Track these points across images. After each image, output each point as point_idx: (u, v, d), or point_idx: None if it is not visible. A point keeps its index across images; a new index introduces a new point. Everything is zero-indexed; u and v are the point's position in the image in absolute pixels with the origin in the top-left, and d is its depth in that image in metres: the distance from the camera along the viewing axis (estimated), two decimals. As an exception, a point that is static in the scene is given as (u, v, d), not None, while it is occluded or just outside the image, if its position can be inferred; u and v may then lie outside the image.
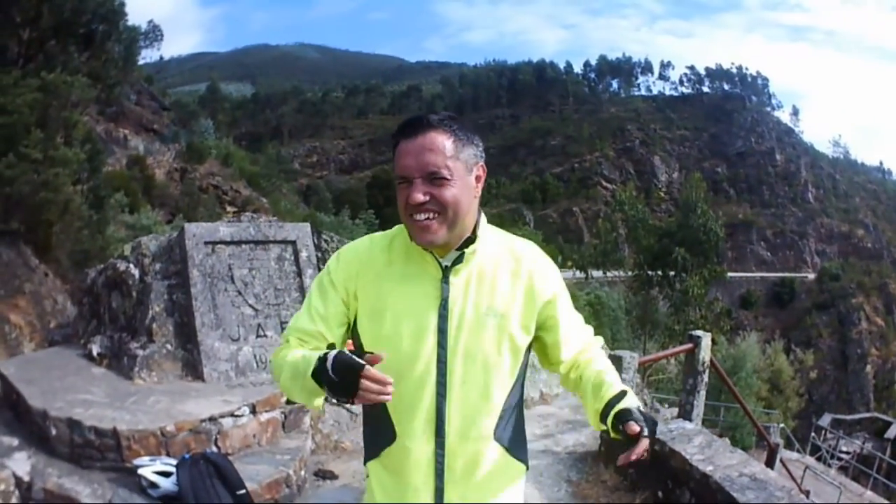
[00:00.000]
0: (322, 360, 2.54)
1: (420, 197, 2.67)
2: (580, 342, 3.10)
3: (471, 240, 2.87)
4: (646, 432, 2.58)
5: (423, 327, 2.83)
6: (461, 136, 2.75)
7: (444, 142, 2.69)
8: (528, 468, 3.18)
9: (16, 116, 13.08)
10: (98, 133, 33.51)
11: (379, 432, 2.98)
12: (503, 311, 2.88)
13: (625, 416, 2.66)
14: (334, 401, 2.61)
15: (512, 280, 2.92)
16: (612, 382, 2.88)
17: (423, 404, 2.84)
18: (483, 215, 2.97)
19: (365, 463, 3.14)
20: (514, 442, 3.02)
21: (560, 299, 3.03)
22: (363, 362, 2.42)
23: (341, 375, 2.45)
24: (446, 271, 2.86)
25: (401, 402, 2.84)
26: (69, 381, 8.11)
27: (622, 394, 2.80)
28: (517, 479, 3.11)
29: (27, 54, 16.14)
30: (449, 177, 2.68)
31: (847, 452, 31.00)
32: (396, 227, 3.01)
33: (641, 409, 2.69)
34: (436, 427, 2.85)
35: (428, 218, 2.72)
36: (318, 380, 2.55)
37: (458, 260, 2.86)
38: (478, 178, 2.84)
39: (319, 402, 2.85)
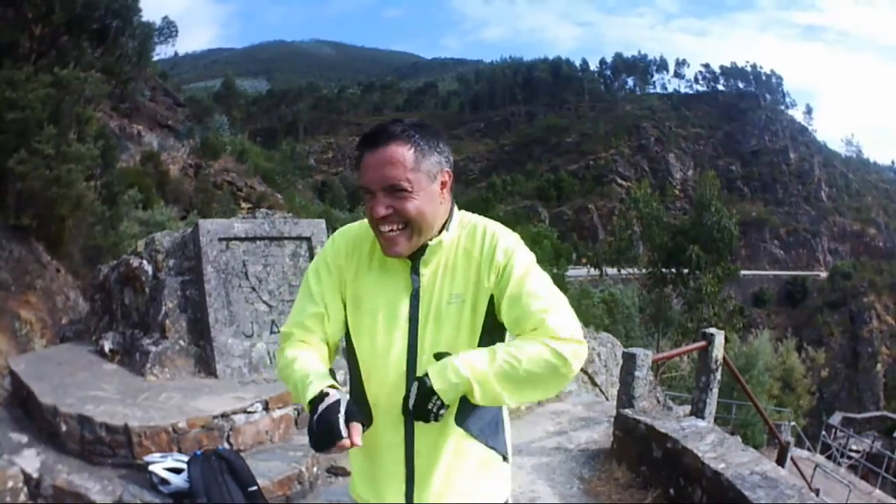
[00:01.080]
0: (314, 402, 2.66)
1: (382, 210, 2.75)
2: (525, 326, 2.83)
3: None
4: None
5: (396, 318, 2.93)
6: (423, 145, 2.79)
7: (404, 154, 2.73)
8: (505, 458, 3.19)
9: (28, 112, 13.06)
10: (112, 129, 33.58)
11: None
12: (463, 295, 2.93)
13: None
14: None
15: (467, 262, 2.95)
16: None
17: (395, 393, 2.90)
18: (455, 208, 3.03)
19: None
20: (483, 430, 3.06)
21: (510, 278, 2.90)
22: (344, 435, 2.55)
23: (321, 432, 2.58)
24: (416, 263, 2.92)
25: (375, 389, 2.99)
26: (80, 377, 8.16)
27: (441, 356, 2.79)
28: (490, 468, 3.12)
29: (39, 50, 16.10)
30: (410, 189, 2.74)
31: (857, 451, 30.98)
32: None
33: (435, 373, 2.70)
34: (404, 414, 2.87)
35: (392, 230, 2.80)
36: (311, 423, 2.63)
37: (423, 251, 2.90)
38: (443, 184, 2.88)
39: None
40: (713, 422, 9.50)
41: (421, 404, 2.66)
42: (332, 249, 3.13)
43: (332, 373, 2.88)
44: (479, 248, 2.94)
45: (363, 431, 2.82)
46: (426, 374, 2.67)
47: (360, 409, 2.88)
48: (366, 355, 2.99)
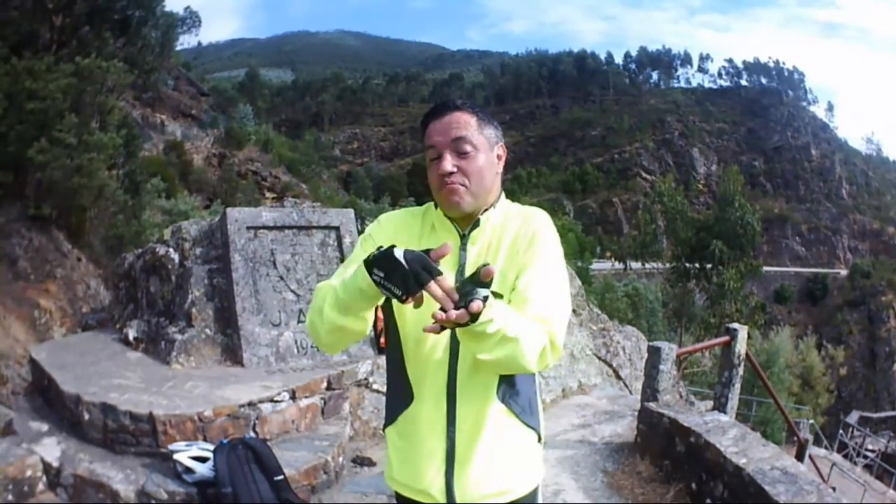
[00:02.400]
0: (388, 249, 2.53)
1: (449, 167, 2.89)
2: (527, 309, 2.83)
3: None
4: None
5: None
6: (483, 116, 3.01)
7: (468, 119, 2.94)
8: (540, 437, 3.21)
9: (48, 102, 13.06)
10: (134, 118, 33.67)
11: (398, 396, 3.12)
12: (505, 272, 2.96)
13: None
14: (382, 286, 2.55)
15: (513, 241, 3.02)
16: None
17: (438, 367, 2.97)
18: (503, 193, 3.18)
19: (384, 429, 3.27)
20: (522, 407, 3.09)
21: (532, 261, 2.96)
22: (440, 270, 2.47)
23: (413, 266, 2.45)
24: (464, 239, 3.04)
25: (419, 366, 3.02)
26: (104, 365, 8.21)
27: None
28: (527, 445, 3.14)
29: (59, 40, 16.08)
30: (475, 148, 2.92)
31: (872, 450, 30.89)
32: (426, 204, 3.22)
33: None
34: (447, 389, 2.96)
35: (455, 185, 2.91)
36: (376, 265, 2.54)
37: (475, 225, 3.03)
38: (499, 157, 3.08)
39: (365, 320, 2.86)
40: (734, 417, 9.49)
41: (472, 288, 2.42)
42: (378, 227, 3.22)
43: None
44: (524, 232, 3.01)
45: (403, 412, 3.07)
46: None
47: (403, 385, 3.06)
48: (409, 333, 3.02)
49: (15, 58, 13.52)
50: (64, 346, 9.43)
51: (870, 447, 31.38)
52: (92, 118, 14.47)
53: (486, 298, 2.40)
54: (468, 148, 2.90)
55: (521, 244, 2.99)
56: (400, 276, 2.48)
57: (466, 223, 3.03)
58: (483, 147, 2.95)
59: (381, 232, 3.14)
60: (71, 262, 14.32)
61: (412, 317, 2.96)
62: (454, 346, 2.94)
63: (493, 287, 2.68)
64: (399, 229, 3.14)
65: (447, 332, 2.82)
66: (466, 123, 2.92)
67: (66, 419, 7.25)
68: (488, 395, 2.96)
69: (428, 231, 3.10)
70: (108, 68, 14.50)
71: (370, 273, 2.56)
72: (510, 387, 3.01)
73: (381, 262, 2.53)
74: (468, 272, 2.92)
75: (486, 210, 3.04)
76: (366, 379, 8.75)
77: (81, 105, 14.03)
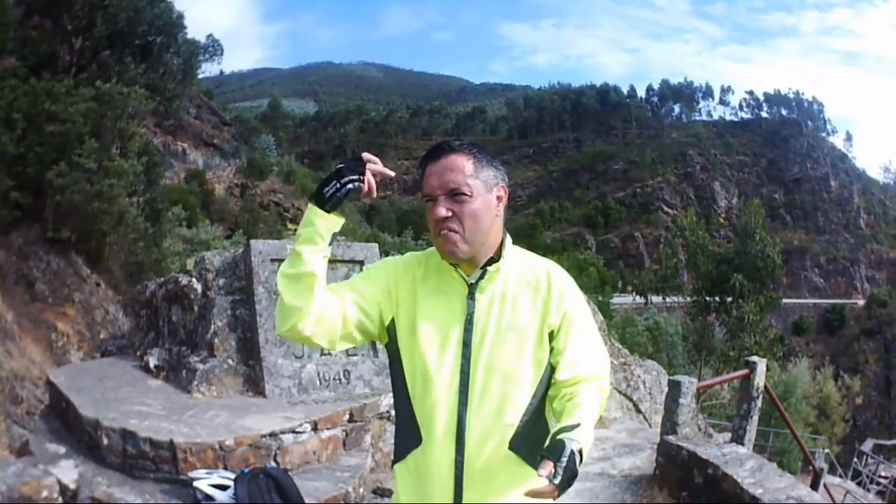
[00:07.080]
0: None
1: (442, 212, 2.90)
2: (580, 369, 3.03)
3: (494, 259, 3.05)
4: (554, 477, 2.51)
5: (449, 340, 3.01)
6: (480, 158, 3.00)
7: (463, 163, 2.94)
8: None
9: (68, 125, 13.09)
10: (156, 146, 33.78)
11: (407, 436, 3.12)
12: (523, 326, 3.02)
13: (552, 449, 2.61)
14: (338, 188, 2.88)
15: (532, 296, 3.06)
16: (573, 413, 2.82)
17: (447, 413, 2.98)
18: (508, 236, 3.15)
19: (393, 465, 3.27)
20: (533, 453, 2.92)
21: (572, 322, 3.08)
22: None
23: (347, 160, 2.85)
24: (472, 288, 3.04)
25: (427, 410, 3.02)
26: (123, 391, 8.20)
27: (572, 427, 2.71)
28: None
29: (80, 63, 16.16)
30: (469, 193, 2.91)
31: (886, 477, 31.14)
32: (430, 248, 3.18)
33: (577, 449, 2.62)
34: (457, 434, 2.97)
35: (451, 231, 2.91)
36: (324, 184, 2.87)
37: (482, 276, 3.03)
38: (499, 198, 3.04)
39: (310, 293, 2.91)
40: (752, 449, 9.51)
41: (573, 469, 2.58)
42: (385, 266, 3.23)
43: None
44: (546, 286, 3.07)
45: (412, 451, 3.07)
46: (572, 475, 2.59)
47: (412, 426, 3.07)
48: (416, 376, 3.05)
49: (34, 78, 13.57)
50: (83, 371, 9.46)
51: (883, 474, 31.71)
52: (112, 144, 14.53)
53: (577, 451, 2.58)
54: (462, 193, 2.90)
55: (552, 302, 3.03)
56: (346, 170, 2.82)
57: (471, 269, 3.05)
58: (479, 191, 2.94)
59: (392, 267, 3.20)
60: (90, 286, 14.35)
61: (417, 364, 3.03)
62: (462, 396, 2.98)
63: (519, 341, 3.01)
64: (406, 276, 3.16)
65: (455, 379, 2.98)
66: (461, 168, 2.92)
67: (83, 443, 7.22)
68: (499, 444, 2.99)
69: (433, 277, 3.12)
70: (128, 94, 14.55)
71: (323, 192, 2.84)
72: (523, 434, 3.03)
73: (326, 179, 2.86)
74: (477, 321, 3.01)
75: (492, 260, 3.05)
76: (388, 412, 8.69)
77: (102, 130, 14.07)
